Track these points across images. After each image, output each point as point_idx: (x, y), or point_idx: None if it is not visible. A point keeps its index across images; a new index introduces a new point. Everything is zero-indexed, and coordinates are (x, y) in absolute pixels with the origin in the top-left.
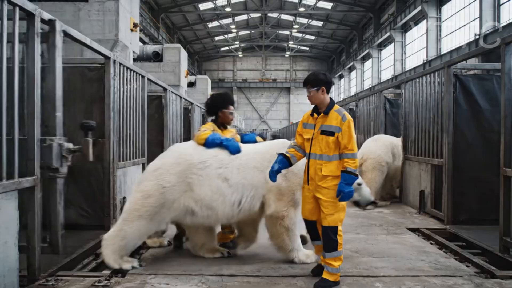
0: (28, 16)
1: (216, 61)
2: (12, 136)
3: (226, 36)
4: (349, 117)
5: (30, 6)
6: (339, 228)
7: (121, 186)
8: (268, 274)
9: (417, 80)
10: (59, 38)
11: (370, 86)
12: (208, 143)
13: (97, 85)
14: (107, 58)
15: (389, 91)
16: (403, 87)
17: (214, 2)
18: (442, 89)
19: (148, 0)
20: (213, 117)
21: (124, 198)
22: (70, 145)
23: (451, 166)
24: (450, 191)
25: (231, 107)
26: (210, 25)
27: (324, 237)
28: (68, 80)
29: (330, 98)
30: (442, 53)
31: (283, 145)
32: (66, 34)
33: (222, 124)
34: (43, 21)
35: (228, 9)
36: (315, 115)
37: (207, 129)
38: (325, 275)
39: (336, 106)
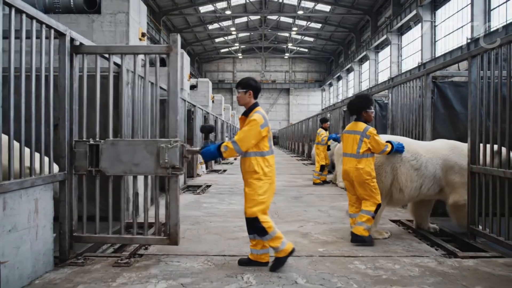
0: (60, 36)
1: (216, 63)
2: (49, 137)
3: (226, 38)
4: (254, 117)
5: (62, 28)
6: (260, 217)
7: (133, 182)
8: None
9: (402, 85)
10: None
11: (368, 87)
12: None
13: (112, 91)
14: (120, 67)
15: (381, 94)
16: (390, 92)
17: (214, 5)
18: (423, 94)
19: (149, 3)
20: (356, 116)
21: (137, 193)
22: (190, 147)
23: None
24: None
25: (372, 107)
26: (210, 27)
27: (251, 226)
28: (88, 87)
29: (256, 102)
30: (436, 56)
31: (440, 144)
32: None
33: (366, 121)
34: (72, 40)
35: (228, 12)
36: (242, 117)
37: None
38: (275, 254)
39: (257, 109)
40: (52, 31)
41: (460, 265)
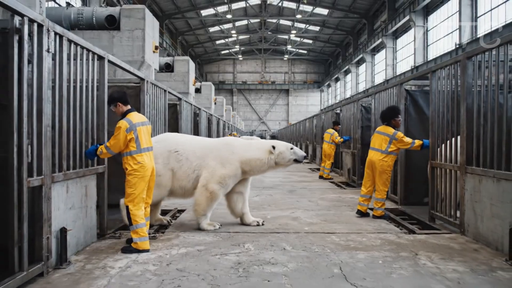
0: (100, 59)
1: (216, 64)
2: (92, 139)
3: (226, 40)
4: (119, 124)
5: (101, 52)
6: (130, 207)
7: None
8: (262, 231)
9: (382, 92)
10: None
11: (365, 89)
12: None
13: (133, 99)
14: (142, 79)
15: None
16: (373, 98)
17: (215, 8)
18: (398, 101)
19: (153, 7)
20: (386, 122)
21: None
22: None
23: (404, 161)
24: (403, 180)
25: (400, 116)
26: (211, 29)
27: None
28: None
29: (130, 109)
30: (428, 60)
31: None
32: (124, 68)
33: (394, 127)
34: (109, 61)
35: (229, 16)
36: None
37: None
38: (132, 243)
39: (128, 115)
40: (96, 56)
41: (414, 238)
